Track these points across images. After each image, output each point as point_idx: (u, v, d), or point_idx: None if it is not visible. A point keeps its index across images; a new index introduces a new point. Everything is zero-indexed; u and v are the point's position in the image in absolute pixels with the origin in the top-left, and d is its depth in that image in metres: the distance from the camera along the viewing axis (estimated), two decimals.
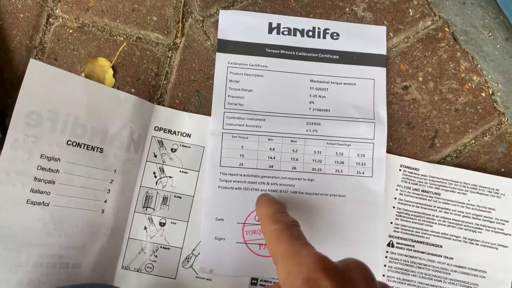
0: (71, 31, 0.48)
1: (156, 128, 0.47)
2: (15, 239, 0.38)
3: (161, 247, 0.46)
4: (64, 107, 0.40)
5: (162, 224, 0.46)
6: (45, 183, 0.39)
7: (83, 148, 0.41)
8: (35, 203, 0.39)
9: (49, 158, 0.39)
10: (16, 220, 0.38)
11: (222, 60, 0.49)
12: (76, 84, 0.41)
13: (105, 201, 0.43)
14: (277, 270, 0.31)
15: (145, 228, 0.46)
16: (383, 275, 0.46)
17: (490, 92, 0.51)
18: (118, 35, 0.49)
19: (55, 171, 0.39)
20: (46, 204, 0.39)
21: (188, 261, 0.46)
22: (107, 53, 0.48)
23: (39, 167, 0.39)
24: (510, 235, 0.47)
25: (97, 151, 0.42)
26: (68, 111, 0.40)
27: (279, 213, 0.37)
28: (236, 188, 0.46)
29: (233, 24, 0.49)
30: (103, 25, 0.49)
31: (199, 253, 0.45)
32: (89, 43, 0.48)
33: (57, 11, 0.48)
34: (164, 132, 0.47)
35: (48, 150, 0.39)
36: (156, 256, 0.45)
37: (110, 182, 0.43)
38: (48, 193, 0.39)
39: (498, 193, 0.48)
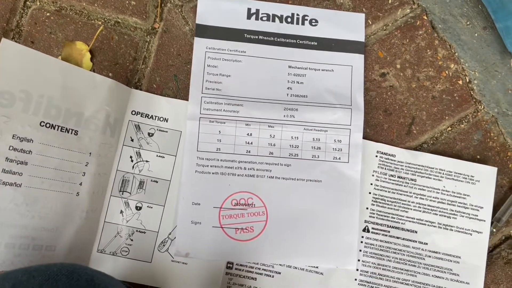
0: (48, 14, 0.48)
1: (133, 112, 0.47)
2: None
3: (137, 231, 0.46)
4: (38, 88, 0.40)
5: (138, 208, 0.46)
6: (17, 163, 0.39)
7: (57, 129, 0.41)
8: (7, 183, 0.38)
9: (21, 139, 0.39)
10: None
11: (200, 45, 0.48)
12: (50, 65, 0.40)
13: (80, 184, 0.43)
14: None
15: (121, 212, 0.46)
16: (359, 260, 0.47)
17: (467, 80, 0.51)
18: (96, 19, 0.49)
19: (27, 152, 0.39)
20: (18, 185, 0.39)
21: (164, 245, 0.46)
22: (85, 37, 0.48)
23: (11, 148, 0.39)
24: (484, 221, 0.48)
25: (71, 133, 0.42)
26: (41, 92, 0.40)
27: None
28: (213, 173, 0.46)
29: (212, 9, 0.49)
30: (81, 8, 0.48)
31: (175, 237, 0.45)
32: (67, 27, 0.48)
33: None
34: (141, 116, 0.47)
35: (20, 131, 0.39)
36: (132, 240, 0.45)
37: (85, 165, 0.43)
38: (21, 174, 0.39)
39: (473, 180, 0.48)
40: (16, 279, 0.29)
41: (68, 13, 0.48)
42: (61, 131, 0.41)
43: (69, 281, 0.30)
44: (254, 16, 0.49)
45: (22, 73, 0.39)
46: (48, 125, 0.40)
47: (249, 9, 0.49)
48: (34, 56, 0.39)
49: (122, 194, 0.46)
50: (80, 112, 0.43)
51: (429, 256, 0.47)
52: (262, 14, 0.50)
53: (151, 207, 0.46)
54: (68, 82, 0.41)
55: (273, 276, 0.46)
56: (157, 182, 0.46)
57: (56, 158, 0.41)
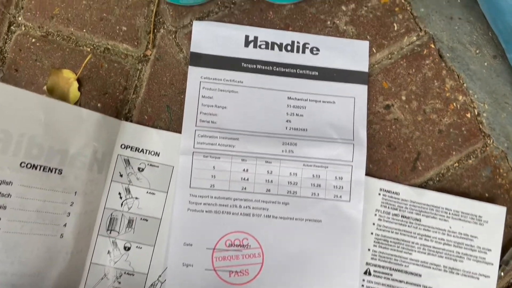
0: (34, 40, 0.45)
1: (123, 146, 0.44)
2: None
3: (125, 273, 0.43)
4: (18, 127, 0.37)
5: (126, 248, 0.43)
6: None
7: (39, 170, 0.38)
8: None
9: (0, 182, 0.36)
10: None
11: (195, 74, 0.46)
12: (32, 101, 0.38)
13: (64, 225, 0.41)
14: None
15: (109, 252, 0.43)
16: None
17: (476, 113, 0.48)
18: (85, 45, 0.46)
19: (6, 195, 0.37)
20: None
21: None
22: (72, 64, 0.45)
23: None
24: (492, 264, 0.45)
25: (55, 172, 0.39)
26: (22, 131, 0.37)
27: None
28: (206, 211, 0.44)
29: (208, 36, 0.46)
30: (69, 34, 0.46)
31: (165, 280, 0.43)
32: (53, 54, 0.45)
33: (20, 18, 0.45)
34: (131, 150, 0.44)
35: None
36: (119, 283, 0.43)
37: (70, 205, 0.41)
38: None
39: (481, 220, 0.46)
40: None
41: (54, 39, 0.45)
42: (43, 171, 0.39)
43: None
44: (252, 44, 0.47)
45: (0, 112, 0.36)
46: (29, 166, 0.38)
47: (247, 36, 0.47)
48: (14, 93, 0.37)
49: (110, 233, 0.43)
50: (65, 149, 0.40)
51: None
52: (260, 41, 0.47)
53: (141, 248, 0.43)
54: (52, 119, 0.39)
55: None
56: (147, 220, 0.44)
57: (38, 200, 0.39)
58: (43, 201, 0.39)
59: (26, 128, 0.37)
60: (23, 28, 0.45)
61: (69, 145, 0.40)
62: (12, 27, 0.45)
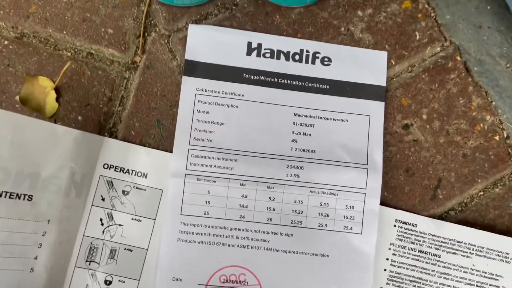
0: (6, 42, 0.40)
1: (106, 166, 0.39)
2: None
3: None
4: None
5: (108, 283, 0.38)
6: None
7: (5, 196, 0.33)
8: None
9: None
10: None
11: (189, 85, 0.40)
12: None
13: (35, 258, 0.36)
14: None
15: (87, 286, 0.38)
16: None
17: (505, 135, 0.43)
18: (65, 50, 0.40)
19: None
20: None
21: None
22: (50, 71, 0.40)
23: None
24: None
25: (24, 199, 0.34)
26: None
27: None
28: (199, 242, 0.39)
29: (205, 42, 0.41)
30: (47, 36, 0.40)
31: None
32: (28, 58, 0.40)
33: None
34: (114, 170, 0.39)
35: None
36: None
37: (42, 235, 0.36)
38: None
39: (508, 258, 0.41)
40: None
41: (30, 41, 0.40)
42: (10, 197, 0.34)
43: None
44: (255, 52, 0.41)
45: None
46: None
47: (249, 43, 0.41)
48: None
49: (89, 264, 0.38)
50: (36, 172, 0.35)
51: None
52: (265, 49, 0.41)
53: (124, 281, 0.38)
54: (20, 138, 0.33)
55: None
56: (131, 251, 0.39)
57: (3, 231, 0.33)
58: (9, 232, 0.34)
59: None
60: None
61: (41, 168, 0.35)
62: None
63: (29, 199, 0.35)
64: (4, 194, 0.33)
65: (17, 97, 0.38)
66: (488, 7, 0.45)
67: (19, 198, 0.34)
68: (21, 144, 0.34)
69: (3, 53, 0.39)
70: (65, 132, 0.36)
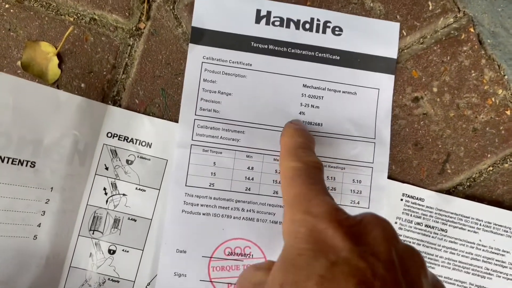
0: (7, 6, 0.38)
1: (109, 135, 0.38)
2: None
3: (109, 279, 0.38)
4: None
5: (111, 252, 0.38)
6: None
7: (7, 162, 0.33)
8: None
9: None
10: None
11: (196, 53, 0.39)
12: None
13: (39, 225, 0.35)
14: (283, 215, 0.26)
15: (91, 255, 0.38)
16: None
17: None
18: (67, 14, 0.39)
19: None
20: None
21: None
22: (52, 36, 0.38)
23: None
24: None
25: (26, 165, 0.34)
26: None
27: (302, 148, 0.31)
28: (203, 214, 0.38)
29: (212, 9, 0.39)
30: (48, 0, 0.39)
31: None
32: (30, 23, 0.38)
33: None
34: (118, 139, 0.38)
35: None
36: None
37: (46, 202, 0.35)
38: None
39: None
40: None
41: (32, 5, 0.38)
42: (12, 163, 0.33)
43: None
44: (264, 20, 0.40)
45: None
46: None
47: (258, 11, 0.40)
48: None
49: (93, 233, 0.38)
50: (38, 139, 0.34)
51: None
52: (274, 17, 0.40)
53: (127, 251, 0.38)
54: (22, 103, 0.33)
55: None
56: (135, 220, 0.38)
57: (5, 197, 0.33)
58: (12, 199, 0.33)
59: None
60: None
61: (44, 134, 0.34)
62: None
63: (32, 165, 0.34)
64: (6, 160, 0.33)
65: (19, 63, 0.37)
66: None
67: (22, 164, 0.33)
68: (23, 109, 0.33)
69: (4, 17, 0.38)
70: (68, 98, 0.35)
